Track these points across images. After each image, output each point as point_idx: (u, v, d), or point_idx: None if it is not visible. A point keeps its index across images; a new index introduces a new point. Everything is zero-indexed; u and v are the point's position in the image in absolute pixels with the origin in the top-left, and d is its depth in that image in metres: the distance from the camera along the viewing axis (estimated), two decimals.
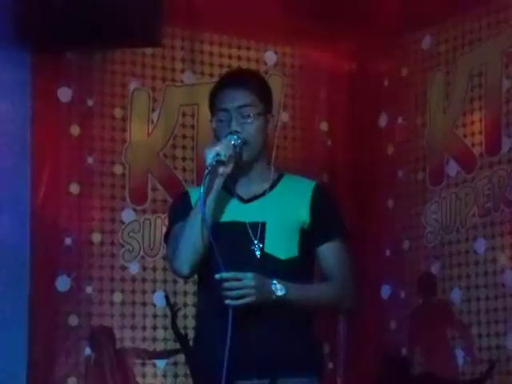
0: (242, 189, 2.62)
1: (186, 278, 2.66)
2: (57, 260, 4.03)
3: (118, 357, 4.08)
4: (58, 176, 4.09)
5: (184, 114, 4.37)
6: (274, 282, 2.46)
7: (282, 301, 2.47)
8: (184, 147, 4.35)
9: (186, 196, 2.67)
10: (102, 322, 4.07)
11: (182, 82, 4.38)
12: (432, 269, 4.22)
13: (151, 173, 4.28)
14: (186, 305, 4.22)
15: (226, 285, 2.41)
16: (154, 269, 4.20)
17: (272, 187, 2.63)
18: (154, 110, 4.31)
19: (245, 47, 4.52)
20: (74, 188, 4.11)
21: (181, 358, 4.16)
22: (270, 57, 4.58)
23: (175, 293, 4.21)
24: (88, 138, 4.17)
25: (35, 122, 4.04)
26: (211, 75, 4.35)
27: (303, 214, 2.58)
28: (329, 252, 2.59)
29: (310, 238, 2.58)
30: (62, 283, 4.02)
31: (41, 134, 4.05)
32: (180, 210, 2.61)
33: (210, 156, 2.50)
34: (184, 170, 4.32)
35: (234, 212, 2.58)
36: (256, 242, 2.52)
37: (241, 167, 2.62)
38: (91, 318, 4.06)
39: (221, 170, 2.52)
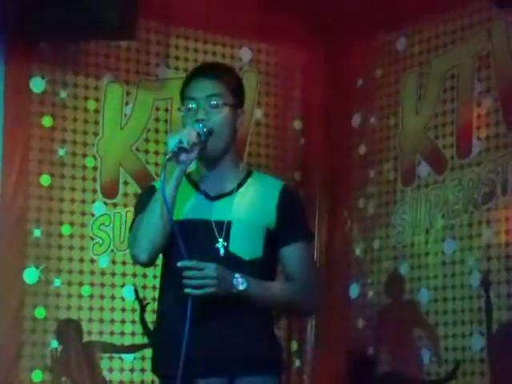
0: (209, 185, 2.62)
1: (145, 265, 2.65)
2: (25, 252, 4.01)
3: (84, 350, 4.07)
4: (28, 167, 4.07)
5: (158, 109, 4.36)
6: (237, 275, 2.46)
7: (243, 295, 2.47)
8: (157, 141, 4.34)
9: (152, 189, 2.66)
10: (69, 315, 4.05)
11: (156, 76, 4.38)
12: (401, 269, 4.25)
13: (123, 166, 4.26)
14: (154, 299, 4.19)
15: (188, 273, 2.40)
16: (124, 263, 4.19)
17: (239, 186, 2.62)
18: (127, 104, 4.30)
19: (220, 43, 4.52)
20: (45, 180, 4.08)
21: (148, 352, 4.14)
22: (245, 53, 4.59)
23: (144, 287, 4.20)
24: (60, 130, 4.15)
25: (7, 113, 4.01)
26: (186, 70, 4.34)
27: (269, 215, 2.58)
28: (292, 253, 2.60)
29: (274, 238, 2.59)
30: (31, 275, 4.00)
31: (12, 124, 4.02)
32: (144, 203, 2.61)
33: (172, 142, 2.50)
34: (156, 164, 4.32)
35: (200, 209, 2.57)
36: (221, 240, 2.52)
37: (207, 161, 2.61)
38: (59, 310, 4.04)
39: (183, 156, 2.51)
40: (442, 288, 4.04)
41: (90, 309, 4.10)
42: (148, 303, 4.18)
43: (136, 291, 4.18)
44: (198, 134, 2.52)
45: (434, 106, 4.18)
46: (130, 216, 4.18)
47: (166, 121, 4.37)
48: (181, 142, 2.48)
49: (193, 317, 2.41)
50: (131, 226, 2.66)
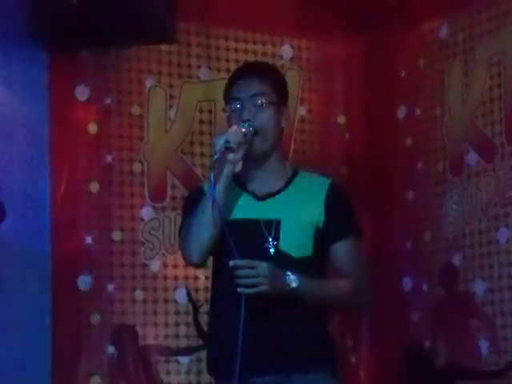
0: (257, 185, 2.62)
1: (197, 267, 2.67)
2: (78, 259, 4.04)
3: (141, 354, 4.08)
4: (77, 175, 4.10)
5: (201, 111, 4.36)
6: (289, 273, 2.46)
7: (296, 293, 2.46)
8: (202, 143, 4.34)
9: (200, 191, 2.67)
10: (124, 320, 4.07)
11: (198, 78, 4.38)
12: (454, 260, 4.20)
13: (170, 170, 4.28)
14: (207, 301, 4.19)
15: (240, 272, 2.40)
16: (175, 266, 4.20)
17: (287, 185, 2.62)
18: (171, 107, 4.31)
19: (260, 42, 4.51)
20: (94, 187, 4.11)
21: (204, 354, 4.14)
22: (287, 51, 4.57)
23: (197, 289, 4.21)
24: (106, 137, 4.17)
25: (53, 122, 4.04)
26: (227, 71, 4.34)
27: (318, 213, 2.57)
28: (342, 251, 2.59)
29: (323, 236, 2.58)
30: (84, 282, 4.03)
31: (59, 133, 4.06)
32: (193, 204, 2.62)
33: (219, 142, 2.50)
34: (202, 166, 4.32)
35: (249, 209, 2.57)
36: (270, 239, 2.52)
37: (254, 161, 2.61)
38: (113, 316, 4.06)
39: (230, 156, 2.51)
40: (497, 278, 3.98)
41: (144, 313, 4.12)
42: (201, 305, 4.18)
43: (189, 294, 4.19)
44: (244, 134, 2.52)
45: (480, 94, 4.13)
46: (179, 219, 4.21)
47: (209, 122, 4.37)
48: (227, 141, 2.48)
49: (246, 316, 2.41)
50: (180, 228, 2.67)
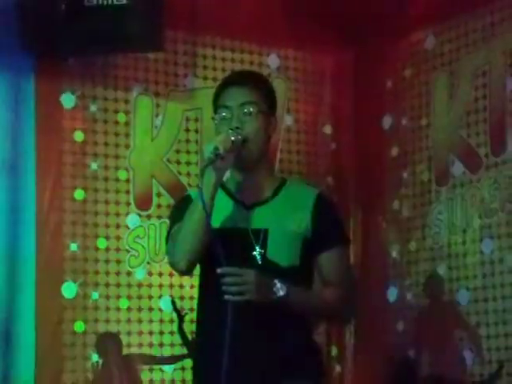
0: (245, 194, 2.63)
1: (184, 274, 2.67)
2: (63, 266, 4.02)
3: (125, 363, 4.07)
4: (62, 182, 4.09)
5: (188, 119, 4.36)
6: (276, 281, 2.46)
7: (283, 302, 2.47)
8: (188, 152, 4.34)
9: (187, 199, 2.67)
10: (108, 328, 4.06)
11: (185, 86, 4.38)
12: (439, 270, 4.21)
13: (156, 178, 4.27)
14: (192, 310, 4.20)
15: (227, 280, 2.40)
16: (160, 274, 4.19)
17: (274, 194, 2.63)
18: (157, 115, 4.31)
19: (247, 51, 4.52)
20: (79, 194, 4.10)
21: (188, 363, 4.14)
22: (273, 60, 4.58)
23: (182, 298, 4.20)
24: (92, 144, 4.16)
25: (39, 129, 4.04)
26: (214, 79, 4.34)
27: (305, 223, 2.59)
28: (329, 260, 2.61)
29: (311, 246, 2.58)
30: (68, 290, 4.01)
31: (45, 140, 4.05)
32: (180, 212, 2.61)
33: (208, 149, 2.51)
34: (189, 174, 4.32)
35: (236, 218, 2.58)
36: (258, 248, 2.52)
37: (242, 169, 2.61)
38: (98, 324, 4.05)
39: (219, 163, 2.51)
40: (481, 288, 3.99)
41: (129, 321, 4.11)
42: (186, 314, 4.18)
43: (173, 302, 4.18)
44: (233, 142, 2.52)
45: (465, 105, 4.15)
46: (165, 227, 4.20)
47: (196, 131, 4.37)
48: (216, 148, 2.49)
49: (232, 325, 2.40)
50: (167, 236, 2.67)
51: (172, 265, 2.59)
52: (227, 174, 2.64)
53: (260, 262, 2.52)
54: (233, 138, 2.53)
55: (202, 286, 2.66)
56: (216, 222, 2.54)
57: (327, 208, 2.63)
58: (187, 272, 2.59)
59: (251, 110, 2.58)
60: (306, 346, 2.58)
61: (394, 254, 4.44)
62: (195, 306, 4.25)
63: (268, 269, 2.51)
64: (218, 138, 2.55)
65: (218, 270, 2.40)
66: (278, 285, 2.47)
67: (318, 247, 2.58)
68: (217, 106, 2.64)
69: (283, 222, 2.56)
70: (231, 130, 2.56)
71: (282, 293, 2.47)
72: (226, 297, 2.39)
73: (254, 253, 2.53)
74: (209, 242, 2.49)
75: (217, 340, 2.43)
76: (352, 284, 2.66)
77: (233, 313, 2.40)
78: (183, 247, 2.53)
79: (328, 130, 4.71)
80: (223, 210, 2.58)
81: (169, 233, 2.68)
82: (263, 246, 2.52)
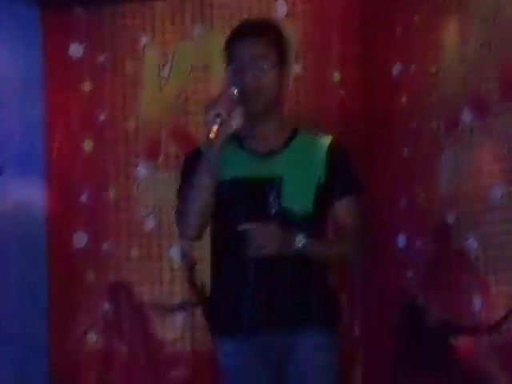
0: (257, 144, 2.62)
1: (193, 240, 2.67)
2: (73, 217, 4.05)
3: (136, 311, 4.12)
4: (71, 133, 4.10)
5: (195, 68, 4.34)
6: (295, 233, 2.47)
7: (303, 252, 2.48)
8: (196, 102, 4.33)
9: (197, 153, 2.65)
10: (119, 278, 4.10)
11: (192, 35, 4.35)
12: (448, 217, 4.21)
13: (164, 128, 4.27)
14: (201, 259, 4.24)
15: (249, 235, 2.41)
16: (170, 223, 4.21)
17: (288, 142, 2.62)
18: (165, 65, 4.29)
19: None
20: (88, 145, 4.11)
21: (198, 310, 4.19)
22: (281, 6, 4.54)
23: (191, 247, 4.22)
24: (100, 95, 4.16)
25: (47, 80, 4.04)
26: (222, 27, 4.31)
27: (319, 170, 2.58)
28: (344, 207, 2.62)
29: (325, 193, 2.59)
30: (79, 240, 4.05)
31: (53, 91, 4.06)
32: (190, 168, 2.61)
33: (210, 117, 2.47)
34: (197, 124, 4.31)
35: (250, 168, 2.57)
36: (273, 196, 2.53)
37: (255, 120, 2.60)
38: (108, 273, 4.09)
39: (223, 129, 2.48)
40: (490, 235, 3.99)
41: (139, 270, 4.14)
42: (196, 262, 4.20)
43: (183, 251, 4.21)
44: (233, 101, 2.49)
45: (476, 50, 4.10)
46: (173, 177, 4.23)
47: (204, 80, 4.35)
48: (219, 114, 2.46)
49: (254, 278, 2.43)
50: (178, 193, 2.65)
51: (180, 232, 2.60)
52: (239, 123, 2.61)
53: (275, 211, 2.52)
54: (231, 96, 2.49)
55: (215, 241, 2.65)
56: (228, 173, 2.53)
57: (341, 155, 2.62)
58: (196, 239, 2.60)
59: (264, 62, 2.55)
60: (325, 293, 2.62)
61: (404, 201, 4.44)
62: (204, 255, 4.33)
63: (283, 216, 2.50)
64: (217, 101, 2.51)
65: (239, 227, 2.41)
66: (299, 236, 2.49)
67: (332, 194, 2.58)
68: (228, 57, 2.59)
69: (297, 170, 2.55)
70: (237, 81, 2.51)
71: (302, 244, 2.49)
72: (249, 252, 2.40)
73: (269, 202, 2.53)
74: (222, 198, 2.48)
75: (235, 290, 2.46)
76: (366, 231, 2.67)
77: (255, 266, 2.44)
78: (191, 216, 2.54)
79: (337, 77, 4.67)
80: (236, 160, 2.57)
81: (179, 190, 2.67)
82: (278, 195, 2.51)
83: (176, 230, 4.11)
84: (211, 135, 2.44)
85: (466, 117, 4.14)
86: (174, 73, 4.30)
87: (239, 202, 2.49)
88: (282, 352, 2.54)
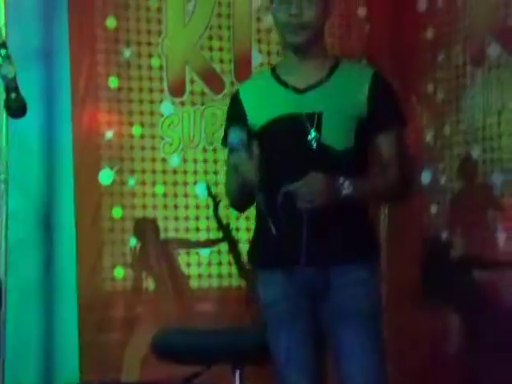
0: (297, 78, 2.59)
1: (242, 212, 2.83)
2: (99, 154, 4.08)
3: (162, 247, 4.17)
4: (96, 70, 4.09)
5: (220, 4, 4.31)
6: (341, 180, 2.47)
7: (350, 197, 2.48)
8: (221, 38, 4.31)
9: (236, 98, 2.65)
10: (145, 214, 4.14)
11: None
12: (472, 153, 4.19)
13: (189, 64, 4.27)
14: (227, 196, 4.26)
15: (297, 191, 2.42)
16: (195, 161, 4.24)
17: (328, 76, 2.59)
18: (189, 1, 4.26)
19: None
20: (113, 81, 4.12)
21: (224, 246, 4.23)
22: None
23: (216, 183, 4.25)
24: (124, 31, 4.15)
25: (71, 17, 4.02)
26: None
27: (361, 103, 2.55)
28: (388, 140, 2.58)
29: (367, 126, 2.57)
30: (105, 176, 4.08)
31: (77, 27, 4.04)
32: (231, 113, 2.62)
33: (232, 140, 2.52)
34: (221, 61, 4.30)
35: (289, 104, 2.55)
36: (313, 132, 2.51)
37: (296, 53, 2.57)
38: (135, 210, 4.13)
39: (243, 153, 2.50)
40: None
41: (165, 207, 4.18)
42: (220, 200, 4.23)
43: (208, 188, 4.24)
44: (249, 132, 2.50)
45: None
46: (199, 114, 4.25)
47: (228, 16, 4.33)
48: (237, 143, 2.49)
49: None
50: (224, 137, 2.63)
51: (231, 204, 2.75)
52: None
53: (315, 147, 2.51)
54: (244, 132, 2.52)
55: (261, 191, 2.65)
56: (269, 112, 2.54)
57: (383, 87, 2.57)
58: (245, 210, 2.66)
59: None
60: (363, 229, 2.58)
61: (429, 137, 4.42)
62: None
63: (323, 153, 2.49)
64: (232, 130, 2.53)
65: (283, 190, 2.42)
66: (345, 184, 2.47)
67: (375, 127, 2.54)
68: None
69: (338, 103, 2.52)
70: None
71: (348, 191, 2.49)
72: (298, 205, 2.39)
73: (309, 137, 2.52)
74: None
75: (277, 226, 2.46)
76: (410, 163, 2.64)
77: (305, 218, 2.44)
78: (236, 198, 2.66)
79: (362, 12, 4.62)
80: (275, 97, 2.56)
81: (224, 136, 2.67)
82: (318, 130, 2.48)
83: (201, 166, 4.22)
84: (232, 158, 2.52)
85: (493, 51, 4.11)
86: (199, 8, 4.27)
87: (280, 140, 2.44)
88: (323, 287, 2.54)
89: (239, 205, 2.73)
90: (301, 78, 2.58)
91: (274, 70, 2.63)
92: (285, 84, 2.59)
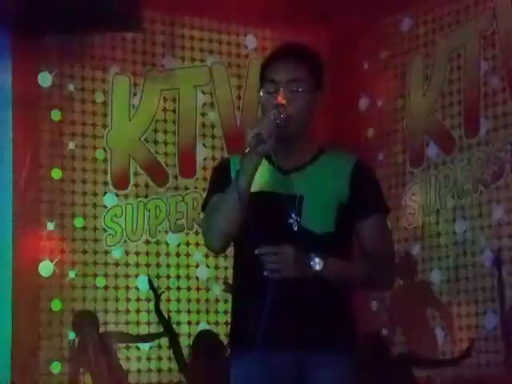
0: (283, 159, 2.61)
1: (218, 254, 2.66)
2: (40, 245, 4.04)
3: (101, 341, 4.10)
4: (39, 161, 4.09)
5: (165, 99, 4.38)
6: (313, 256, 2.43)
7: (320, 275, 2.47)
8: (165, 131, 4.36)
9: (226, 166, 2.64)
10: (85, 307, 4.09)
11: (162, 66, 4.40)
12: (412, 250, 4.26)
13: (133, 157, 4.29)
14: (168, 288, 4.25)
15: (266, 258, 2.40)
16: (137, 253, 4.22)
17: (312, 160, 2.62)
18: (134, 95, 4.32)
19: (225, 31, 4.53)
20: (56, 173, 4.11)
21: (164, 341, 4.19)
22: (250, 41, 4.60)
23: (158, 276, 4.23)
24: (69, 123, 4.17)
25: (16, 108, 4.03)
26: (192, 59, 4.37)
27: (342, 189, 2.54)
28: (369, 227, 2.54)
29: (348, 213, 2.56)
30: (45, 268, 4.03)
31: (22, 119, 4.05)
32: (218, 180, 2.60)
33: (250, 135, 2.48)
34: (166, 154, 4.35)
35: (273, 182, 2.54)
36: (293, 214, 2.52)
37: (283, 140, 2.60)
38: (74, 302, 4.07)
39: (260, 148, 2.49)
40: (454, 268, 4.05)
41: (105, 300, 4.14)
42: (162, 292, 4.21)
43: (150, 281, 4.21)
44: (277, 123, 2.50)
45: (440, 87, 4.19)
46: (142, 207, 4.25)
47: (173, 110, 4.39)
48: (259, 134, 2.47)
49: (271, 298, 2.41)
50: (204, 204, 2.62)
51: (206, 244, 2.59)
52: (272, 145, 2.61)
53: (295, 229, 2.50)
54: (278, 121, 2.51)
55: (237, 261, 2.63)
56: (254, 186, 2.48)
57: (366, 175, 2.55)
58: (221, 251, 2.59)
59: (298, 87, 2.54)
60: (341, 316, 2.47)
61: None
62: (171, 285, 4.34)
63: (303, 236, 2.44)
64: (260, 122, 2.53)
65: (256, 251, 2.40)
66: (316, 259, 2.43)
67: (356, 214, 2.49)
68: (264, 79, 2.59)
69: (320, 188, 2.49)
70: (276, 105, 2.52)
71: (319, 267, 2.44)
72: (265, 273, 2.39)
73: (289, 219, 2.51)
74: (245, 221, 2.48)
75: (255, 310, 2.42)
76: (392, 252, 2.63)
77: (272, 287, 2.40)
78: (218, 231, 2.49)
79: None
80: (261, 172, 2.55)
81: (205, 202, 2.66)
82: (298, 213, 2.46)
83: (143, 259, 4.21)
84: (249, 148, 2.44)
85: (431, 151, 4.23)
86: (144, 103, 4.33)
87: (260, 218, 2.45)
88: (300, 372, 2.46)
89: (222, 239, 2.53)
90: (286, 160, 2.61)
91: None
92: (271, 162, 2.62)
